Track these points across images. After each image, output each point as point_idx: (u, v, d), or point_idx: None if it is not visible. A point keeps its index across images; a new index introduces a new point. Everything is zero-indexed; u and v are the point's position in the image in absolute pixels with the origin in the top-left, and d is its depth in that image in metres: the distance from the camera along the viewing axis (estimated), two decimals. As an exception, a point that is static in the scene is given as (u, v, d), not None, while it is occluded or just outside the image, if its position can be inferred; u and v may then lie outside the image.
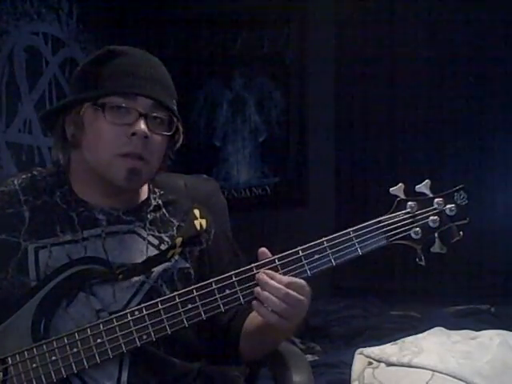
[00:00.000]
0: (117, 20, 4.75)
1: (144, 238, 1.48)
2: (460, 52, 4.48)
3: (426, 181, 1.42)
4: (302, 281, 1.37)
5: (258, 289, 1.36)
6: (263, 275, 1.36)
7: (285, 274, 1.38)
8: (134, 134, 1.40)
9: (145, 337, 1.36)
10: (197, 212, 1.55)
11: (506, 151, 4.43)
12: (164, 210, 1.53)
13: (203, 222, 1.54)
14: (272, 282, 1.35)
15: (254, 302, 1.36)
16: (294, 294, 1.35)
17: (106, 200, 1.48)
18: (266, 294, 1.34)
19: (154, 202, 1.54)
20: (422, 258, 1.40)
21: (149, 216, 1.50)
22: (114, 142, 1.41)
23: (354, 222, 1.42)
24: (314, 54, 4.87)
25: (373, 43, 4.69)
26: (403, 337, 2.05)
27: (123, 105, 1.40)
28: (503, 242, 4.32)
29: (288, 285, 1.35)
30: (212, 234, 1.56)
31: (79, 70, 1.48)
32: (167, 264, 1.46)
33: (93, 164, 1.44)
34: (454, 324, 2.89)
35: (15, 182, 1.50)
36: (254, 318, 1.51)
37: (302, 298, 1.36)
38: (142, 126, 1.40)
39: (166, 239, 1.49)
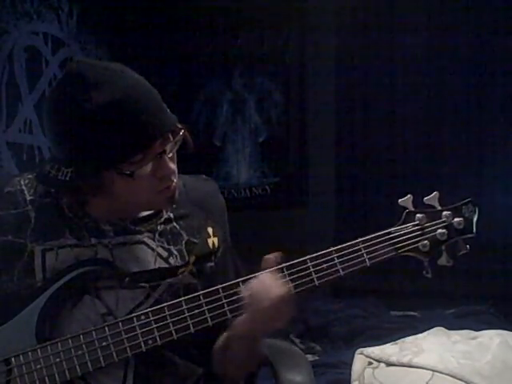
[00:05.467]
0: (117, 20, 4.75)
1: (153, 250, 1.45)
2: (460, 54, 4.48)
3: (435, 193, 1.41)
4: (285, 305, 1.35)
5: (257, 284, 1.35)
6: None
7: (292, 282, 1.37)
8: (166, 175, 1.37)
9: (150, 341, 1.36)
10: (210, 230, 1.53)
11: (506, 150, 4.42)
12: (175, 224, 1.50)
13: (215, 240, 1.52)
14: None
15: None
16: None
17: (113, 213, 1.44)
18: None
19: (165, 215, 1.50)
20: (429, 270, 1.40)
21: (159, 227, 1.47)
22: (149, 190, 1.37)
23: (353, 222, 1.42)
24: (313, 54, 4.88)
25: (373, 43, 4.69)
26: (403, 337, 2.05)
27: (151, 165, 1.33)
28: (503, 242, 4.32)
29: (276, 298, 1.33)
30: (220, 251, 1.54)
31: (75, 128, 1.33)
32: (174, 278, 1.44)
33: (123, 202, 1.39)
34: (453, 324, 2.89)
35: (21, 182, 1.48)
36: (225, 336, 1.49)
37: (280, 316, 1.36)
38: (172, 166, 1.36)
39: (175, 252, 1.47)
